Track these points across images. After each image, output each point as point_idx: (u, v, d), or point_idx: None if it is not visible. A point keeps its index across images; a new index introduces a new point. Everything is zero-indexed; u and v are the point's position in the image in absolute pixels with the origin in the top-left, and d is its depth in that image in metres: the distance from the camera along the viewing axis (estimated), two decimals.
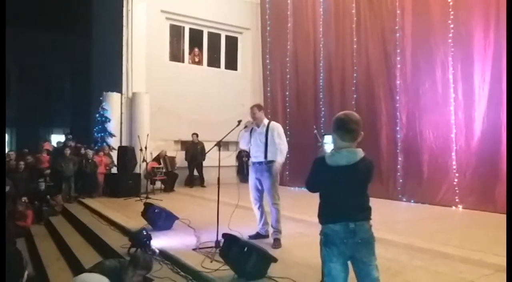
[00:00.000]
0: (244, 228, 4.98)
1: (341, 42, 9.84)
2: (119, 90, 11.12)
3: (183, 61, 12.52)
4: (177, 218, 5.87)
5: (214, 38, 12.99)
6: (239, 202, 4.81)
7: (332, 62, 10.08)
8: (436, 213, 6.91)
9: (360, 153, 2.36)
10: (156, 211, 5.79)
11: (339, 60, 9.91)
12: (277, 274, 3.60)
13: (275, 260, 3.65)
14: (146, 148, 9.43)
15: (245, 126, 4.94)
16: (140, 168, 10.00)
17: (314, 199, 2.52)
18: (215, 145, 4.78)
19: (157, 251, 4.64)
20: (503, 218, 5.65)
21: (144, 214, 5.98)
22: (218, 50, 13.09)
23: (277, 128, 4.97)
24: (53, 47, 18.78)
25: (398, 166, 8.37)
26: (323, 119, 10.13)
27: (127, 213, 7.15)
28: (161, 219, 5.70)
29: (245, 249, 3.63)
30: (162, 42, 11.92)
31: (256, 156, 4.96)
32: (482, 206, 6.86)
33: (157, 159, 10.60)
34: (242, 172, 11.86)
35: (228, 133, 4.80)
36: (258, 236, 4.95)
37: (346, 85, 9.65)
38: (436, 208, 7.31)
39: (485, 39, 7.03)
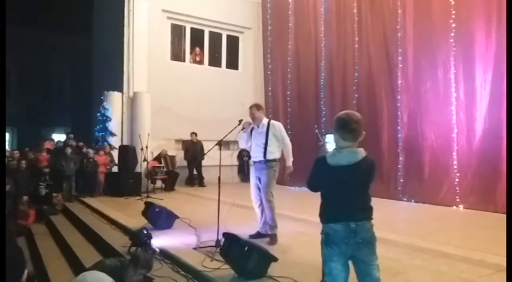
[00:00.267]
0: (244, 227, 4.98)
1: (343, 42, 9.82)
2: (120, 90, 11.12)
3: (184, 61, 12.50)
4: (177, 217, 5.87)
5: (215, 38, 12.98)
6: (239, 201, 4.81)
7: (333, 62, 10.07)
8: (437, 213, 6.89)
9: (362, 153, 2.36)
10: (156, 210, 5.79)
11: (340, 59, 9.90)
12: (277, 274, 3.60)
13: (275, 259, 3.65)
14: (147, 147, 9.46)
15: (243, 128, 4.94)
16: (141, 167, 10.02)
17: (315, 198, 2.52)
18: (216, 144, 4.79)
19: (158, 250, 4.64)
20: (504, 218, 5.64)
21: (144, 213, 5.98)
22: (219, 49, 13.08)
23: (278, 126, 4.98)
24: (54, 46, 18.80)
25: (399, 166, 8.35)
26: (324, 119, 10.10)
27: (128, 212, 7.15)
28: (162, 218, 5.71)
29: (246, 248, 3.64)
30: (163, 42, 11.91)
31: (256, 155, 4.96)
32: (483, 206, 6.85)
33: (157, 158, 10.61)
34: (243, 172, 11.88)
35: (229, 132, 4.81)
36: (258, 235, 4.94)
37: (347, 85, 9.63)
38: (437, 207, 7.29)
39: (487, 39, 7.01)
